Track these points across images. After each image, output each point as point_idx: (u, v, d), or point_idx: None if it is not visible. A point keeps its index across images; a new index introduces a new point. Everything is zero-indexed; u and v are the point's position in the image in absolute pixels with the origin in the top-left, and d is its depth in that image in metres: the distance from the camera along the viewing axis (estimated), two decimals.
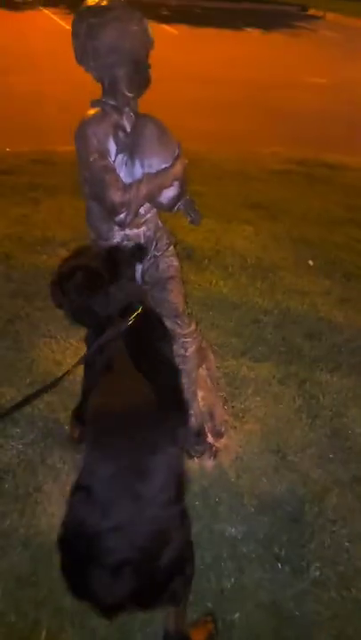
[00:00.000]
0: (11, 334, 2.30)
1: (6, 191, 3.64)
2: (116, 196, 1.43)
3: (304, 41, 11.58)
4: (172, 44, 8.62)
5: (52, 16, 10.69)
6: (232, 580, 1.43)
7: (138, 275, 1.75)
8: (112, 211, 1.47)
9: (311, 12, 15.38)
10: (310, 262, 3.11)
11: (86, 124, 1.45)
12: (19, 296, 2.58)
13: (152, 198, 1.52)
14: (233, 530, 1.56)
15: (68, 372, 1.39)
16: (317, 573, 1.46)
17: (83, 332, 2.31)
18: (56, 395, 1.97)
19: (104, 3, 1.40)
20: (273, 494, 1.68)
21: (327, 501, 1.66)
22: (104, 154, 1.44)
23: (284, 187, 4.22)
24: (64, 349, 2.23)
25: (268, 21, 13.05)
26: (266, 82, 7.59)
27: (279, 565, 1.47)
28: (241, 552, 1.50)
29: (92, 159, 1.43)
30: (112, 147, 1.47)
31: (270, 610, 1.38)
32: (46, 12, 11.21)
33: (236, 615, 1.35)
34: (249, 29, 11.74)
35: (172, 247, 1.78)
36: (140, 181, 1.47)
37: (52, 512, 1.57)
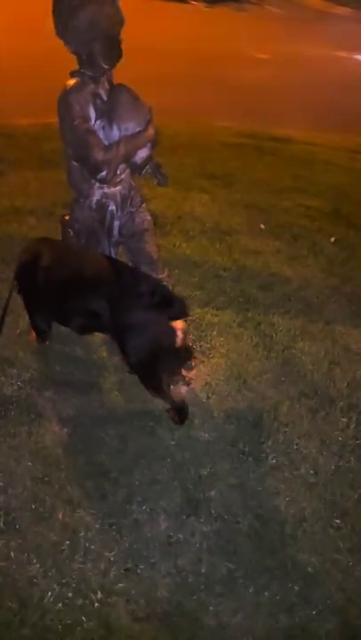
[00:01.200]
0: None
1: None
2: (98, 155, 1.68)
3: (249, 16, 11.77)
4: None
5: None
6: (207, 469, 1.78)
7: (116, 229, 2.02)
8: (95, 169, 1.72)
9: None
10: (262, 226, 3.47)
11: (68, 92, 1.69)
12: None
13: (129, 158, 1.79)
14: (206, 435, 1.91)
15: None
16: (274, 461, 1.85)
17: None
18: (48, 347, 2.22)
19: None
20: (237, 409, 2.04)
21: (280, 410, 2.05)
22: (86, 118, 1.69)
23: (236, 158, 4.54)
24: None
25: None
26: (211, 55, 7.78)
27: (244, 457, 1.84)
28: (213, 450, 1.86)
29: (75, 123, 1.67)
30: (92, 113, 1.72)
31: (238, 488, 1.75)
32: None
33: (213, 492, 1.71)
34: (194, 2, 11.78)
35: (144, 204, 2.05)
36: (118, 142, 1.74)
37: (54, 431, 1.85)
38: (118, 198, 1.95)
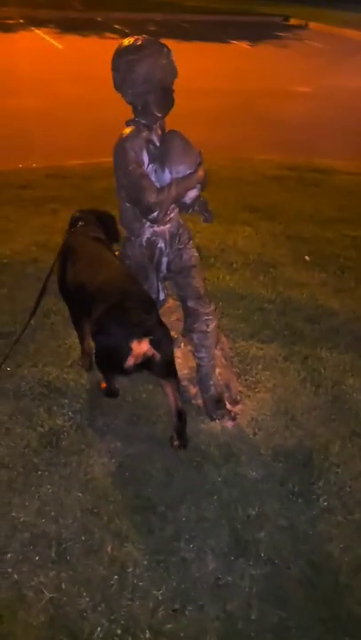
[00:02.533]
0: (48, 326, 2.62)
1: (26, 204, 3.97)
2: (151, 198, 1.77)
3: (289, 51, 12.10)
4: None
5: (44, 36, 11.10)
6: (256, 509, 1.75)
7: (164, 265, 2.09)
8: (147, 210, 1.80)
9: (293, 21, 15.96)
10: (307, 258, 3.46)
11: (124, 140, 1.80)
12: (49, 294, 2.89)
13: (180, 198, 1.86)
14: (253, 473, 1.88)
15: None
16: (326, 504, 1.79)
17: None
18: (95, 373, 2.29)
19: (139, 42, 1.76)
20: (285, 446, 2.01)
21: (330, 450, 1.99)
22: (140, 163, 1.79)
23: (278, 190, 4.59)
24: None
25: (254, 33, 13.58)
26: (254, 91, 8.03)
27: (294, 498, 1.80)
28: (261, 489, 1.82)
29: (130, 168, 1.77)
30: (145, 158, 1.82)
31: (289, 530, 1.70)
32: (37, 32, 11.60)
33: (262, 534, 1.67)
34: (235, 42, 12.23)
35: (191, 241, 2.11)
36: (170, 185, 1.82)
37: (103, 462, 1.89)
38: (167, 236, 2.03)
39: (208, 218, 2.17)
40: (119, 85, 1.79)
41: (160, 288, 2.17)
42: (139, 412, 2.14)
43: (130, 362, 1.78)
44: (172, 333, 2.71)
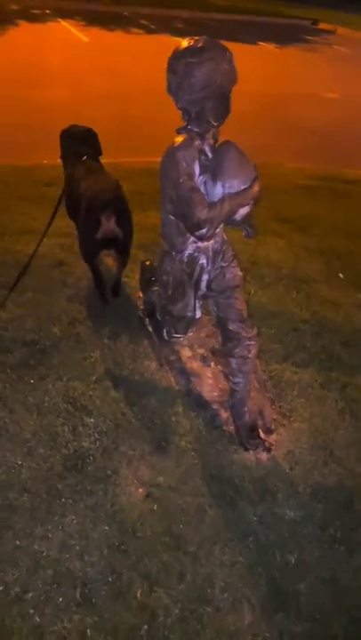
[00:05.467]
0: (73, 336, 2.50)
1: (52, 203, 3.83)
2: (201, 214, 1.64)
3: (317, 56, 11.90)
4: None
5: (70, 28, 10.98)
6: (295, 555, 1.62)
7: (204, 283, 1.96)
8: (196, 226, 1.68)
9: (322, 26, 15.73)
10: (341, 275, 3.32)
11: (176, 149, 1.66)
12: (75, 301, 2.78)
13: (231, 216, 1.73)
14: (291, 513, 1.75)
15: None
16: None
17: (138, 335, 2.55)
18: (121, 390, 2.17)
19: (200, 44, 1.62)
20: (324, 485, 1.88)
21: None
22: (191, 175, 1.66)
23: (310, 201, 4.44)
24: (122, 351, 2.44)
25: (281, 35, 13.38)
26: (281, 95, 7.87)
27: (335, 546, 1.67)
28: (301, 533, 1.69)
29: (181, 180, 1.64)
30: (196, 169, 1.68)
31: (330, 583, 1.57)
32: (64, 23, 11.49)
33: (302, 585, 1.55)
34: (263, 43, 12.04)
35: (235, 259, 1.98)
36: (223, 200, 1.68)
37: (130, 492, 1.77)
38: (210, 252, 1.90)
39: (250, 233, 2.04)
40: (174, 90, 1.66)
41: (197, 306, 2.04)
42: (167, 436, 2.01)
43: (100, 234, 2.45)
44: (201, 351, 2.61)
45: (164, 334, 2.27)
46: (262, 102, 7.24)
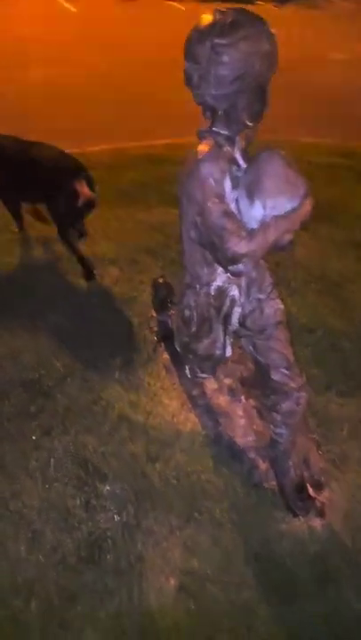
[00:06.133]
0: (78, 371, 2.13)
1: None
2: (238, 247, 1.25)
3: (319, 14, 11.05)
4: (179, 20, 8.17)
5: None
6: None
7: (236, 317, 1.58)
8: (231, 261, 1.29)
9: None
10: None
11: (200, 163, 1.25)
12: (76, 322, 2.42)
13: (277, 245, 1.33)
14: None
15: None
16: None
17: (154, 364, 2.19)
18: (140, 442, 1.83)
19: (230, 18, 1.19)
20: None
21: None
22: (222, 196, 1.26)
23: (332, 183, 3.97)
24: (137, 387, 2.08)
25: None
26: (284, 59, 7.17)
27: None
28: None
29: (210, 204, 1.24)
30: (227, 185, 1.28)
31: None
32: None
33: None
34: (261, 2, 11.17)
35: (275, 289, 1.60)
36: (267, 227, 1.28)
37: (159, 585, 1.45)
38: (243, 282, 1.52)
39: (287, 247, 1.65)
40: (196, 82, 1.23)
41: (227, 343, 1.67)
42: (198, 503, 1.67)
43: (81, 202, 2.43)
44: (228, 381, 2.24)
45: (187, 372, 1.91)
46: None
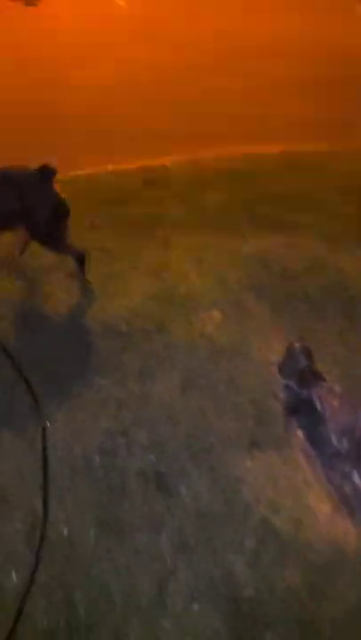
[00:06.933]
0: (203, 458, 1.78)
1: (128, 228, 2.99)
2: None
3: None
4: (237, 13, 7.59)
5: None
6: None
7: None
8: None
9: None
10: None
11: None
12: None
13: None
14: None
15: None
16: None
17: (289, 450, 1.79)
18: (297, 571, 1.45)
19: None
20: None
21: None
22: None
23: None
24: (274, 481, 1.71)
25: None
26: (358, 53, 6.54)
27: None
28: None
29: None
30: None
31: None
32: None
33: None
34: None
35: None
36: None
37: None
38: None
39: None
40: None
41: None
42: None
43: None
44: None
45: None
46: (337, 63, 5.94)
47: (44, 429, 1.80)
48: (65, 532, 1.55)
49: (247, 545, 1.52)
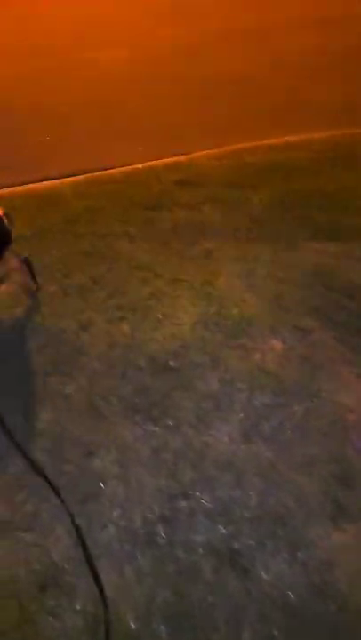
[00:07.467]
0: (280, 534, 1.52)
1: (166, 238, 2.69)
2: None
3: None
4: None
5: None
6: None
7: None
8: None
9: None
10: None
11: None
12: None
13: None
14: None
15: None
16: None
17: None
18: None
19: None
20: None
21: None
22: None
23: None
24: None
25: None
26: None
27: None
28: None
29: None
30: None
31: None
32: None
33: None
34: None
35: None
36: None
37: None
38: None
39: None
40: None
41: None
42: None
43: None
44: None
45: None
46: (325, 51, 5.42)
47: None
48: (132, 625, 1.31)
49: None
